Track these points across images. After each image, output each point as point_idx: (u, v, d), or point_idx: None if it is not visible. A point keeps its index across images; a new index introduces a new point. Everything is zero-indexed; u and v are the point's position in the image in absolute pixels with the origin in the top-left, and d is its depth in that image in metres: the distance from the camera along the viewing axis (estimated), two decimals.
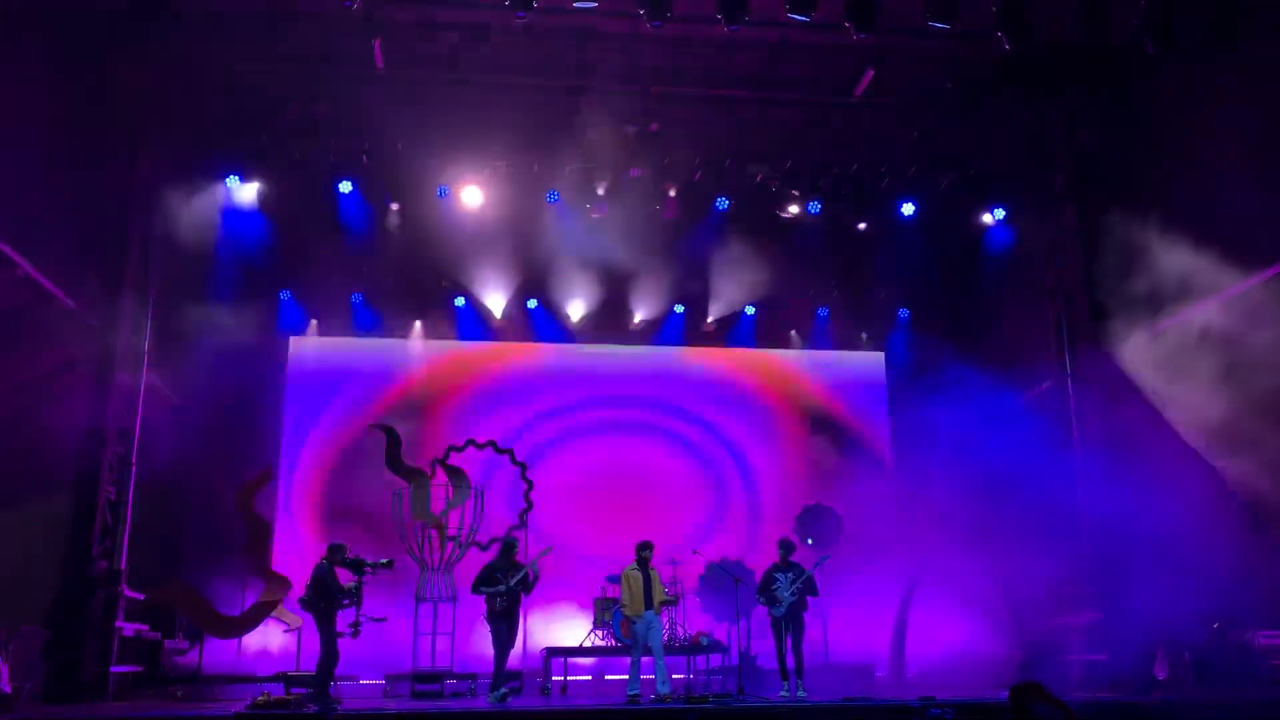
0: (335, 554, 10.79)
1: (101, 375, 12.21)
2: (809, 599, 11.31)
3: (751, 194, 15.52)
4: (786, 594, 11.12)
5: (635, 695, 10.37)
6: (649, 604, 10.78)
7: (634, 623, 10.86)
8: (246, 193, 14.55)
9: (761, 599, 11.33)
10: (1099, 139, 14.42)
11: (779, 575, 11.28)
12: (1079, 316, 14.27)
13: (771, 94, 14.57)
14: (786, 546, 11.54)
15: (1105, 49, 13.19)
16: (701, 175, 15.40)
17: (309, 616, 10.77)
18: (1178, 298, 12.71)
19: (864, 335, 17.39)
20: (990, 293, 16.65)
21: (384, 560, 11.07)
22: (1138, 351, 13.21)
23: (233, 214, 14.64)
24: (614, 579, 13.89)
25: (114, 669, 11.64)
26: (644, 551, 11.03)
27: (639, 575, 10.90)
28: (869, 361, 17.53)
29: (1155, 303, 13.12)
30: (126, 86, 12.66)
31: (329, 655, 10.40)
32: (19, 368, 12.36)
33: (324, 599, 10.50)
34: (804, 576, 11.18)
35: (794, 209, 15.64)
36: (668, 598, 11.14)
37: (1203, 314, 12.23)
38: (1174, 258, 12.84)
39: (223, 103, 13.67)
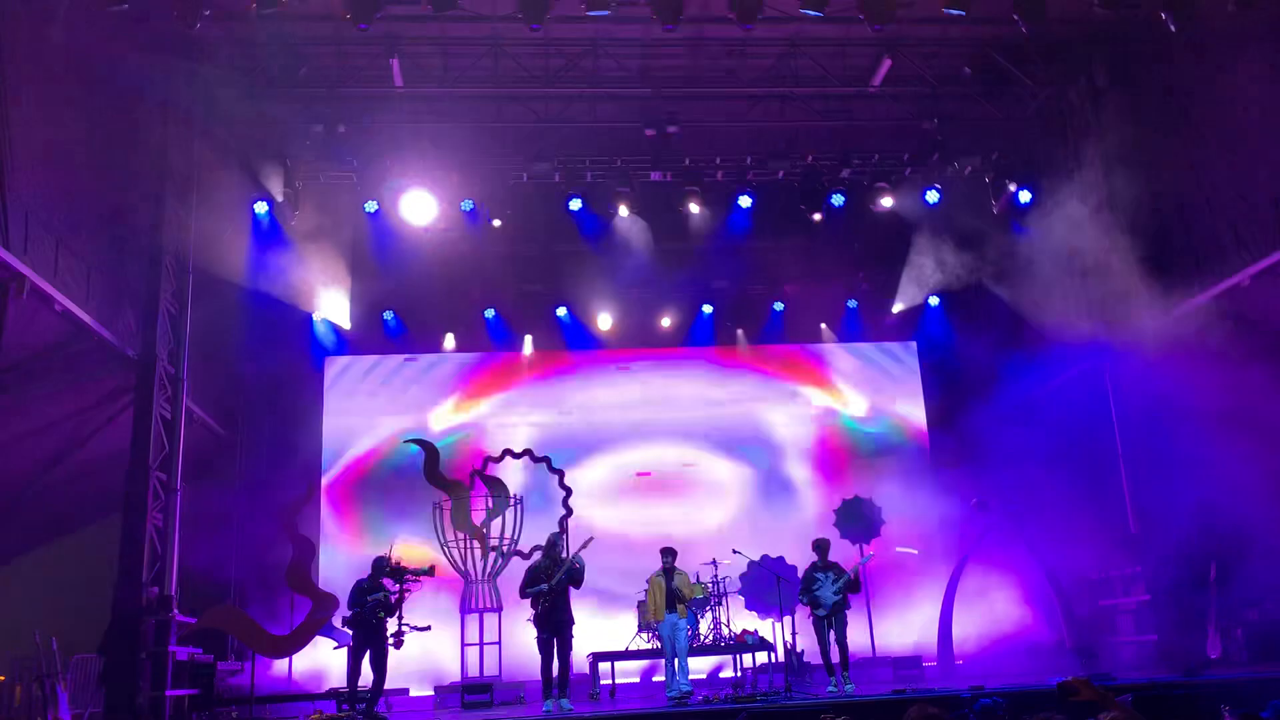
0: (374, 569, 10.93)
1: (142, 405, 12.38)
2: (849, 595, 11.35)
3: (774, 190, 15.48)
4: (829, 593, 11.14)
5: (677, 696, 10.44)
6: (670, 607, 10.93)
7: (658, 626, 11.01)
8: (275, 217, 14.70)
9: (804, 600, 11.34)
10: (1123, 115, 14.28)
11: (819, 575, 11.30)
12: (1113, 293, 14.12)
13: (789, 89, 14.56)
14: (823, 546, 11.59)
15: (1125, 24, 13.07)
16: (722, 175, 15.40)
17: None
18: (1211, 270, 12.58)
19: (894, 325, 17.30)
20: (1021, 274, 16.50)
21: (425, 568, 11.20)
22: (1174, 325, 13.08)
23: (262, 239, 14.80)
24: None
25: (170, 692, 11.79)
26: (666, 558, 11.22)
27: (661, 581, 11.07)
28: (902, 350, 17.47)
29: (1190, 276, 12.98)
30: (153, 117, 12.85)
31: (349, 669, 10.71)
32: (62, 401, 12.58)
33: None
34: (845, 578, 11.18)
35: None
36: (694, 595, 11.23)
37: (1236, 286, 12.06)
38: (1204, 230, 12.70)
39: (247, 129, 13.84)
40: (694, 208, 15.27)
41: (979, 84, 14.64)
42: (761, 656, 13.18)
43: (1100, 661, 12.88)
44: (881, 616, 14.78)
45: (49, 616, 11.27)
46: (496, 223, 15.08)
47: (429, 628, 11.56)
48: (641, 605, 13.94)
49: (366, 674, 10.62)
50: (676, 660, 10.92)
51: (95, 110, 11.80)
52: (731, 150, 15.20)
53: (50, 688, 9.99)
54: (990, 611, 14.48)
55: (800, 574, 11.82)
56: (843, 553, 12.05)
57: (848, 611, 11.27)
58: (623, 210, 15.22)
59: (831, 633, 11.13)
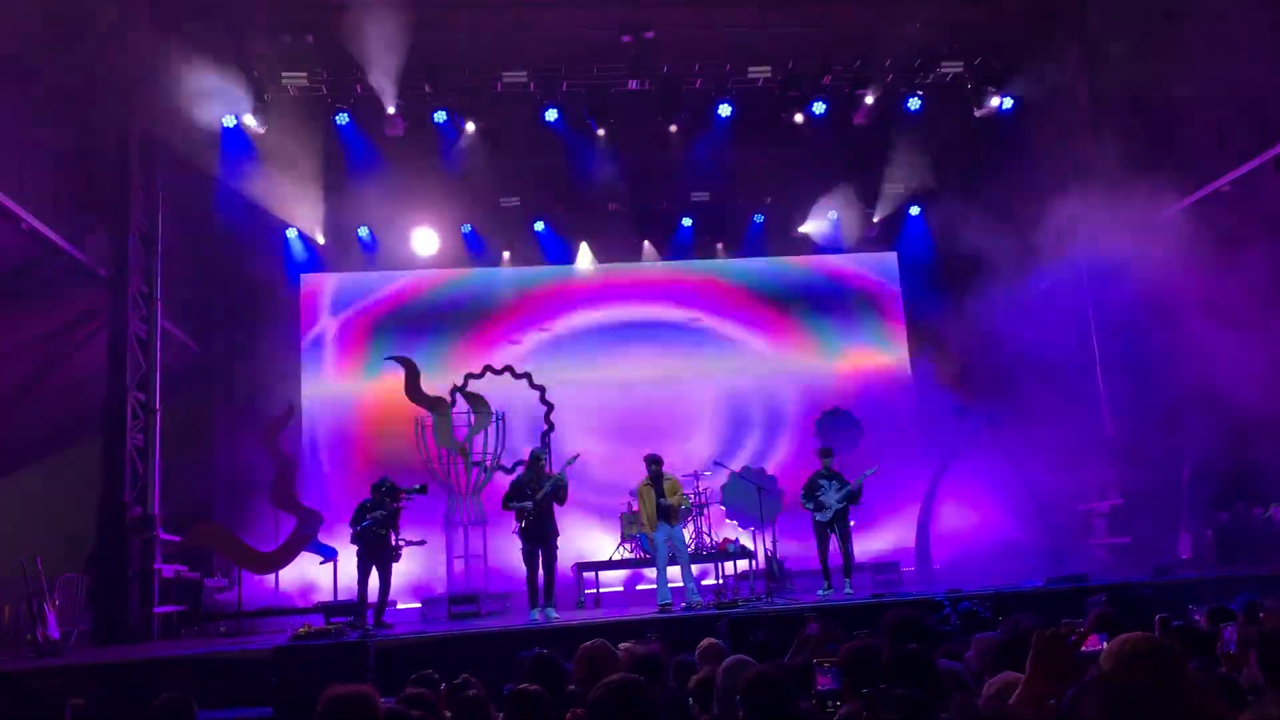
0: (373, 491, 11.15)
1: (116, 324, 12.24)
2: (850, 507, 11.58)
3: (754, 99, 15.20)
4: (833, 500, 11.33)
5: (666, 604, 10.55)
6: (663, 517, 10.89)
7: (651, 537, 11.00)
8: (244, 131, 14.35)
9: (807, 504, 11.51)
10: (1107, 16, 14.03)
11: (824, 481, 11.47)
12: (1094, 199, 14.06)
13: None
14: (827, 454, 11.74)
15: None
16: (701, 83, 15.10)
17: None
18: (1195, 173, 12.51)
19: (875, 235, 17.21)
20: (1002, 182, 16.38)
21: (417, 486, 11.46)
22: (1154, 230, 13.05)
23: (232, 154, 14.47)
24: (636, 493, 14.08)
25: (157, 609, 11.92)
26: (652, 465, 11.03)
27: (650, 490, 10.97)
28: (882, 260, 17.41)
29: (1174, 179, 12.92)
30: (116, 29, 12.44)
31: (359, 585, 11.02)
32: (36, 323, 12.45)
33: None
34: (847, 489, 11.34)
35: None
36: (681, 505, 11.20)
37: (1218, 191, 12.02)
38: (1189, 133, 12.59)
39: (213, 41, 13.41)
40: (672, 129, 15.00)
41: None
42: (743, 564, 13.41)
43: (1075, 564, 13.15)
44: (860, 523, 14.98)
45: (34, 537, 11.33)
46: (470, 127, 14.75)
47: (424, 542, 11.91)
48: (624, 516, 14.10)
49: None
50: (679, 569, 10.93)
51: (55, 24, 11.41)
52: (711, 58, 14.87)
53: (38, 606, 10.07)
54: (967, 517, 14.72)
55: (780, 484, 11.96)
56: (846, 467, 12.15)
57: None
58: (599, 120, 14.92)
59: (834, 539, 11.35)
